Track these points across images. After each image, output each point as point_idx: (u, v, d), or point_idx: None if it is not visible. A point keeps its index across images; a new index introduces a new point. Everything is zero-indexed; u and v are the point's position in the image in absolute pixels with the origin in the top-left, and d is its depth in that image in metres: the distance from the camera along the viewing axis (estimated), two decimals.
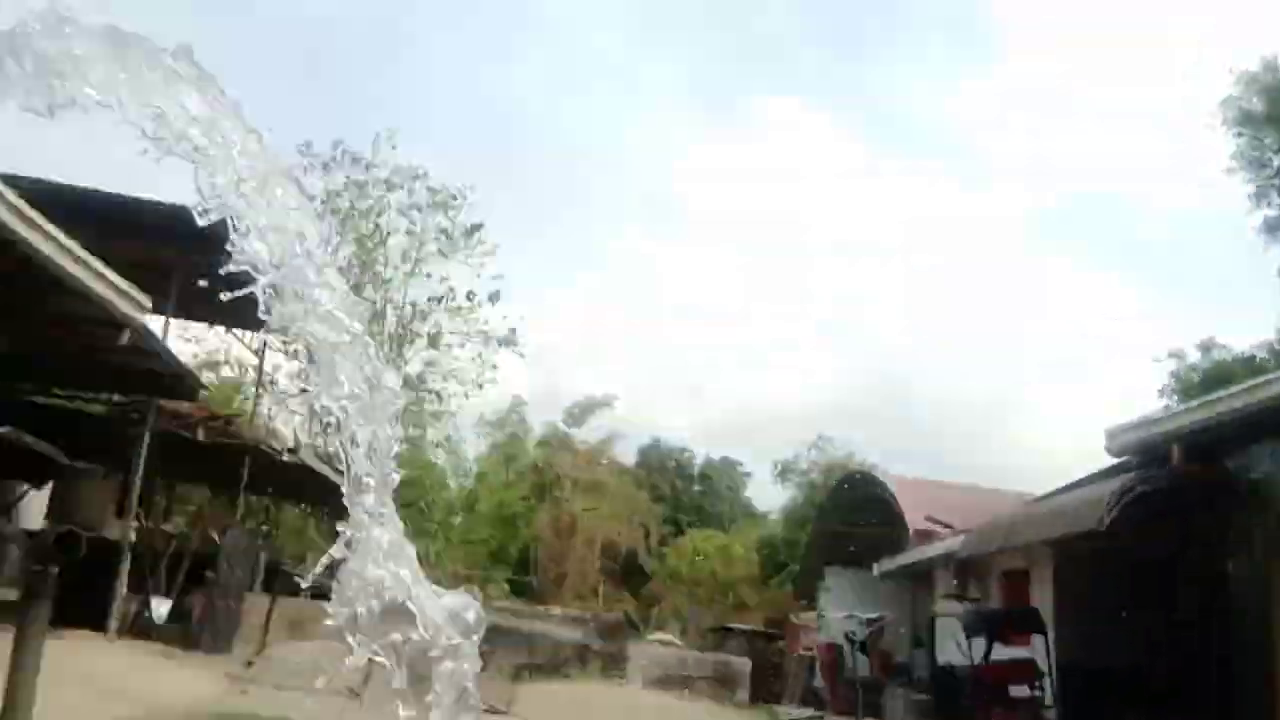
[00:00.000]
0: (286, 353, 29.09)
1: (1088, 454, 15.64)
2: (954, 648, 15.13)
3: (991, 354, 71.56)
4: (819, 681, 20.62)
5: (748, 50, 66.68)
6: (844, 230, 73.45)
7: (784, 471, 45.43)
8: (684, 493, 50.54)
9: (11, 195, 7.94)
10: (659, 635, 28.28)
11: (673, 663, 22.76)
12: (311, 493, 22.36)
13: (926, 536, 19.81)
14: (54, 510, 12.79)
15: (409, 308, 33.36)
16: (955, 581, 18.51)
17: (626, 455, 47.22)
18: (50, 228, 8.46)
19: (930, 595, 20.03)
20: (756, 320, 75.39)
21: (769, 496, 47.98)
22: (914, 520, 20.82)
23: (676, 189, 76.91)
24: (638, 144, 76.62)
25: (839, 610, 21.40)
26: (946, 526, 19.13)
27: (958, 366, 68.53)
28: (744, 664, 23.01)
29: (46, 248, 8.54)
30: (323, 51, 63.39)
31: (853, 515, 24.74)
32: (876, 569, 21.80)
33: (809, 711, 18.39)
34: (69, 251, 8.83)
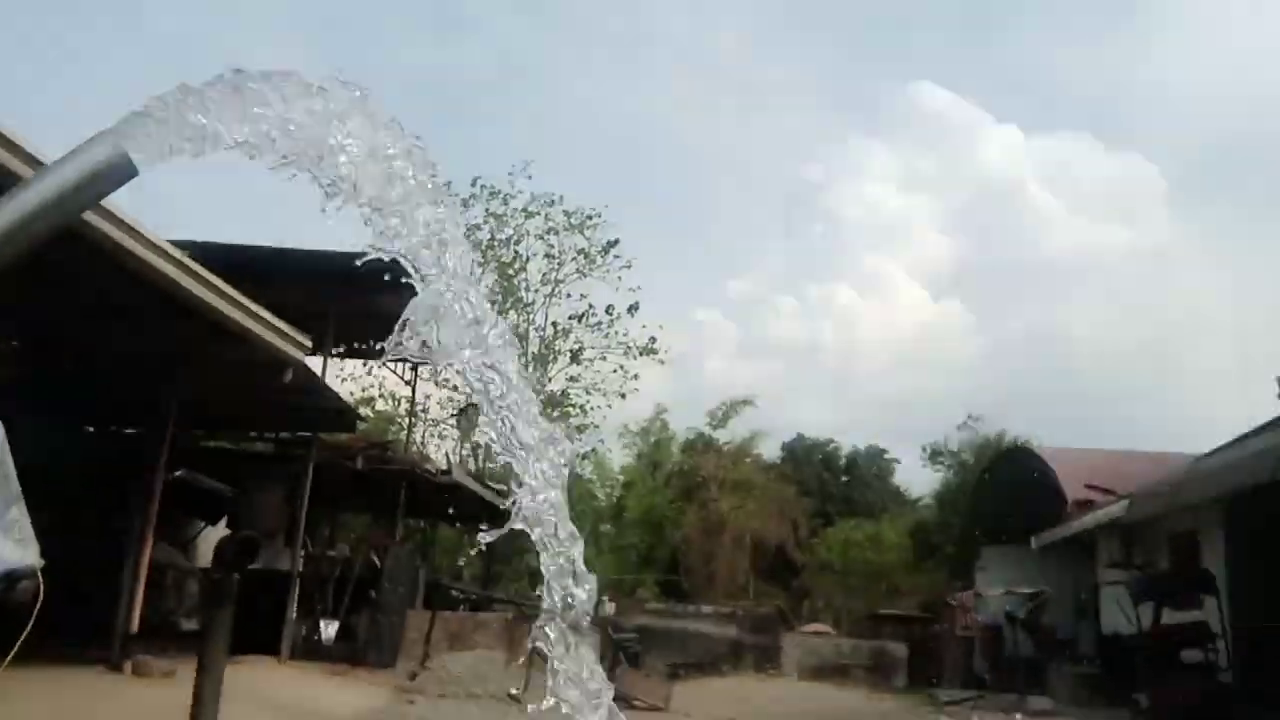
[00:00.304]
0: (436, 382, 30.42)
1: (1251, 414, 14.95)
2: (1120, 617, 14.73)
3: (1145, 315, 68.35)
4: (980, 662, 20.24)
5: (873, 38, 65.93)
6: (986, 202, 71.69)
7: (933, 454, 44.56)
8: (831, 484, 50.08)
9: (183, 256, 8.70)
10: (812, 627, 28.21)
11: (828, 652, 22.75)
12: (465, 511, 23.25)
13: (1087, 506, 19.24)
14: (241, 519, 13.76)
15: (550, 327, 34.38)
16: (1120, 548, 17.96)
17: (771, 452, 47.26)
18: (216, 280, 9.22)
19: (1093, 566, 19.46)
20: (898, 305, 74.30)
21: (919, 481, 47.07)
22: (1073, 490, 20.26)
23: (809, 184, 76.64)
24: (767, 144, 76.74)
25: (997, 589, 21.00)
26: (1108, 493, 18.54)
27: (1111, 332, 65.87)
28: (900, 649, 22.81)
29: (216, 300, 9.30)
30: (452, 92, 65.87)
31: (1008, 491, 24.20)
32: (1035, 543, 21.26)
33: (970, 693, 18.10)
34: (235, 301, 9.59)
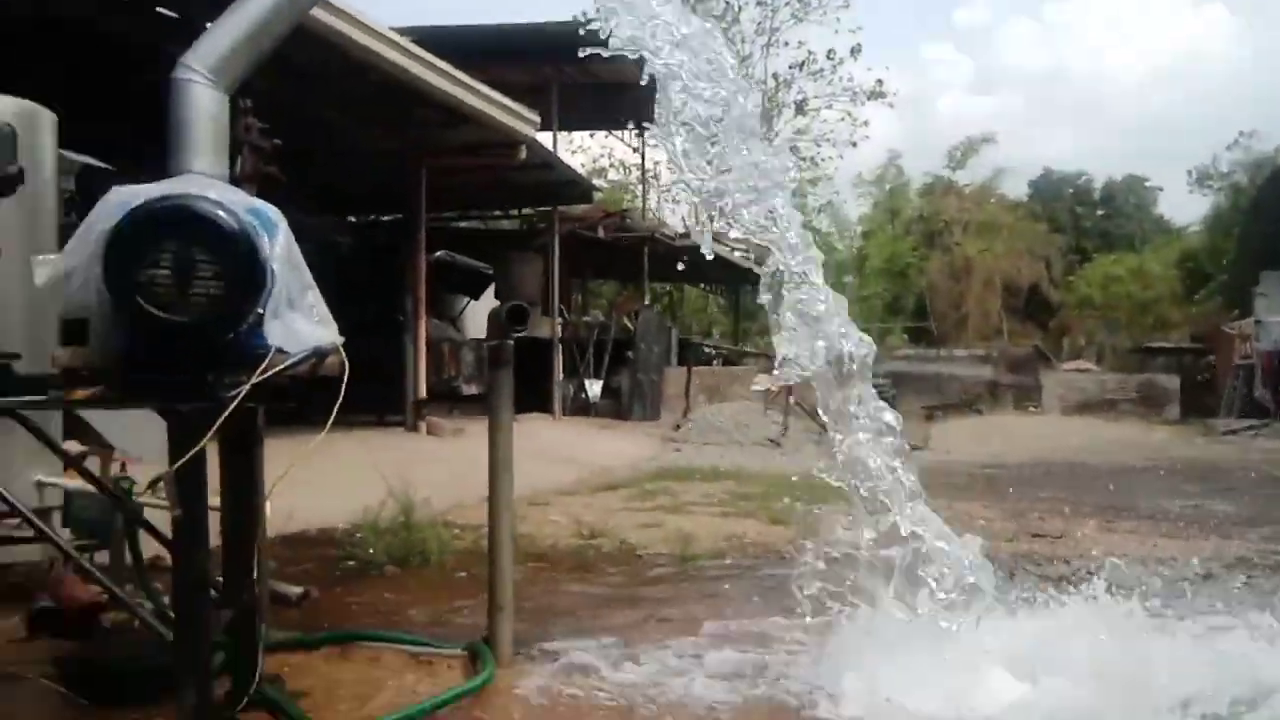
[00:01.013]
0: (665, 147, 30.30)
1: None
2: None
3: None
4: (1261, 391, 19.03)
5: None
6: None
7: (1201, 179, 40.77)
8: (1086, 219, 46.95)
9: (409, 44, 8.91)
10: (1075, 364, 27.27)
11: (1091, 388, 22.06)
12: (708, 273, 23.64)
13: None
14: (501, 292, 14.71)
15: (771, 80, 33.04)
16: None
17: (1017, 190, 44.72)
18: (443, 65, 9.42)
19: None
20: (1153, 14, 66.21)
21: (1186, 208, 43.49)
22: None
23: None
24: None
25: None
26: None
27: None
28: (1172, 381, 21.79)
29: (445, 84, 9.55)
30: None
31: None
32: None
33: (1251, 421, 17.15)
34: (463, 83, 9.81)
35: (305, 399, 2.33)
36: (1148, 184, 48.25)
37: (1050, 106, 68.90)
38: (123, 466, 3.24)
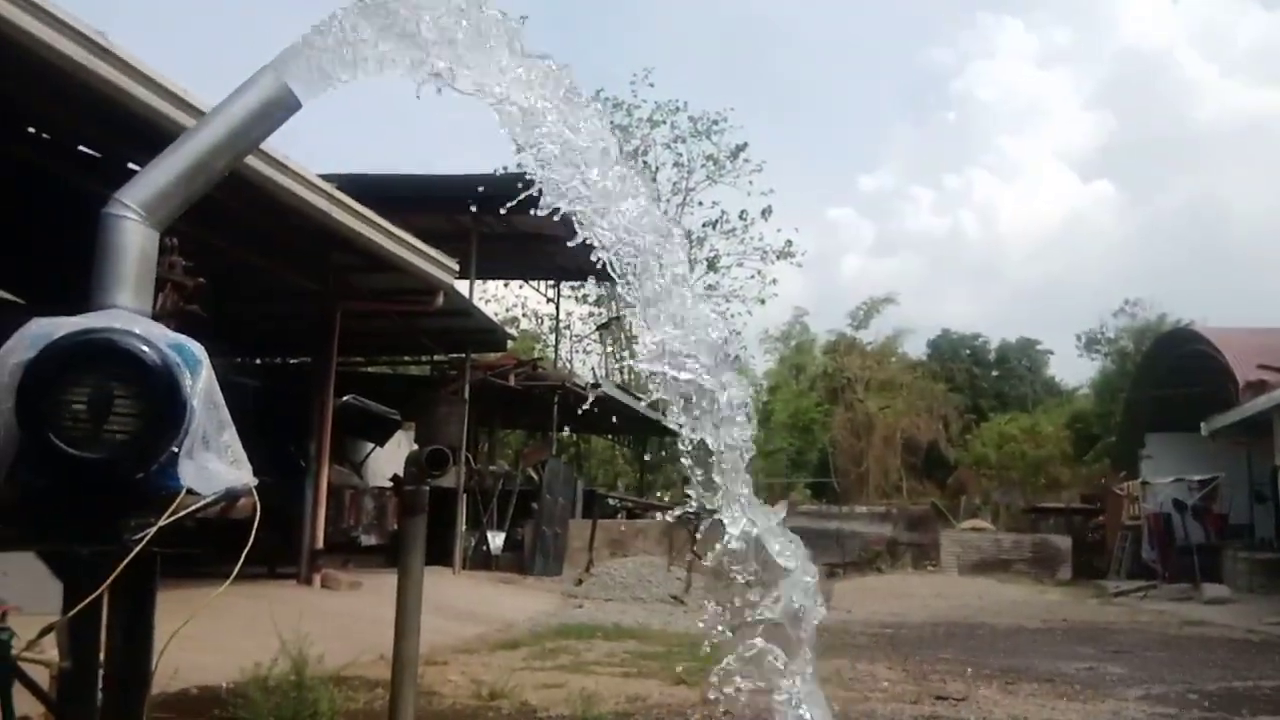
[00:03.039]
0: (578, 298, 30.91)
1: None
2: None
3: None
4: (1148, 551, 19.65)
5: None
6: (1132, 73, 67.23)
7: (1089, 343, 43.09)
8: (981, 379, 48.85)
9: (333, 189, 9.01)
10: (970, 523, 27.82)
11: (987, 548, 22.44)
12: (616, 422, 23.73)
13: (1259, 387, 18.21)
14: (422, 437, 14.44)
15: (685, 237, 34.21)
16: None
17: (916, 349, 46.48)
18: (366, 211, 9.53)
19: (1269, 449, 18.48)
20: (1043, 189, 71.07)
21: (1074, 371, 45.58)
22: (1244, 372, 19.16)
23: (938, 68, 73.53)
24: (891, 30, 73.83)
25: (1165, 476, 20.25)
26: None
27: (1275, 202, 61.42)
28: (1064, 542, 22.31)
29: (368, 230, 9.62)
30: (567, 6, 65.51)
31: (1172, 377, 23.09)
32: (1205, 429, 20.32)
33: (1140, 583, 17.63)
34: (385, 230, 9.90)
35: (203, 544, 2.25)
36: (1039, 346, 50.71)
37: (948, 269, 72.63)
38: (3, 615, 3.05)
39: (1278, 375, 17.63)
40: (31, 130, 7.29)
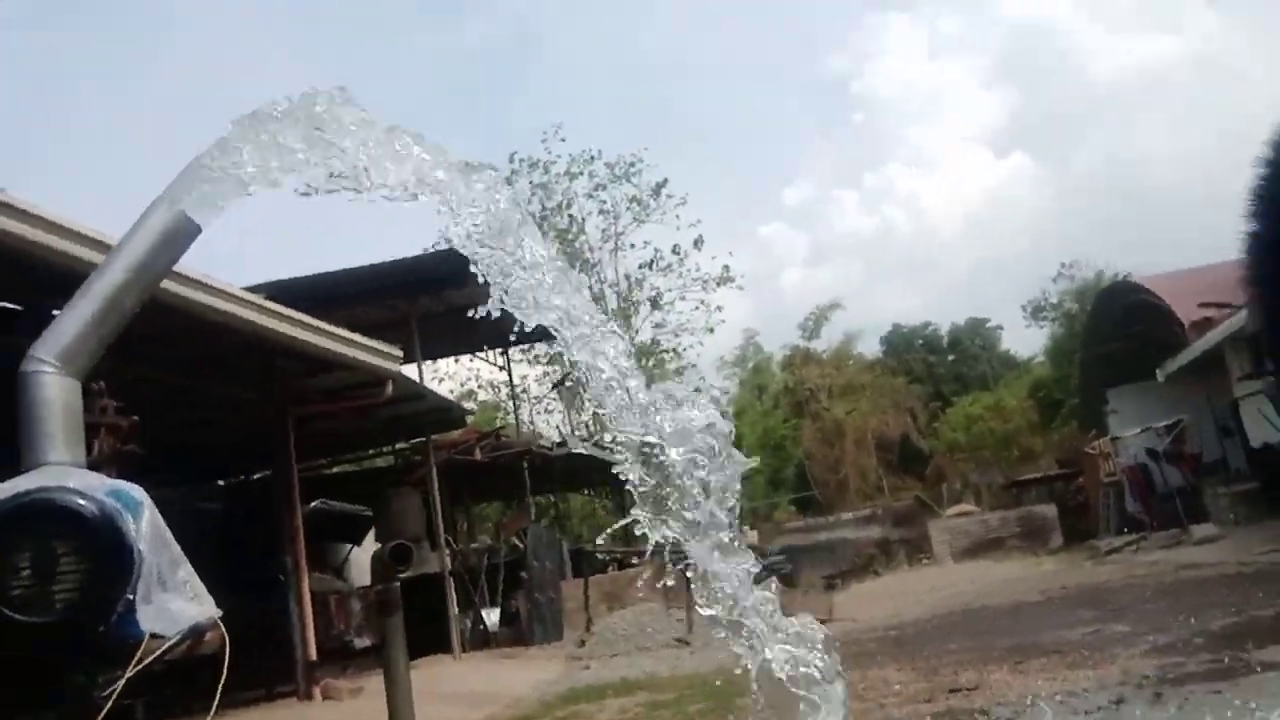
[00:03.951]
0: (530, 360, 30.88)
1: None
2: (1268, 427, 14.28)
3: (1216, 117, 65.19)
4: (1132, 504, 19.87)
5: None
6: (1024, 45, 69.05)
7: (1035, 311, 43.82)
8: (939, 366, 49.46)
9: (261, 300, 8.94)
10: (956, 509, 27.99)
11: (976, 530, 22.59)
12: (589, 477, 23.63)
13: (1205, 325, 18.60)
14: (382, 533, 14.23)
15: (624, 280, 34.45)
16: (1250, 359, 17.33)
17: (871, 349, 46.96)
18: (302, 316, 9.45)
19: (1226, 384, 18.84)
20: (962, 172, 72.49)
21: (1027, 342, 46.30)
22: (1187, 313, 19.58)
23: (838, 74, 75.04)
24: (786, 44, 75.34)
25: (1133, 429, 20.54)
26: (1223, 307, 17.85)
27: (1185, 144, 63.14)
28: (1049, 511, 22.50)
29: (304, 334, 9.54)
30: (471, 69, 66.25)
31: (1120, 330, 23.54)
32: (1160, 375, 20.68)
33: (1130, 537, 17.79)
34: (325, 331, 9.82)
35: (188, 682, 2.21)
36: (989, 324, 51.43)
37: (886, 266, 73.62)
38: None
39: (1220, 310, 18.00)
40: None
